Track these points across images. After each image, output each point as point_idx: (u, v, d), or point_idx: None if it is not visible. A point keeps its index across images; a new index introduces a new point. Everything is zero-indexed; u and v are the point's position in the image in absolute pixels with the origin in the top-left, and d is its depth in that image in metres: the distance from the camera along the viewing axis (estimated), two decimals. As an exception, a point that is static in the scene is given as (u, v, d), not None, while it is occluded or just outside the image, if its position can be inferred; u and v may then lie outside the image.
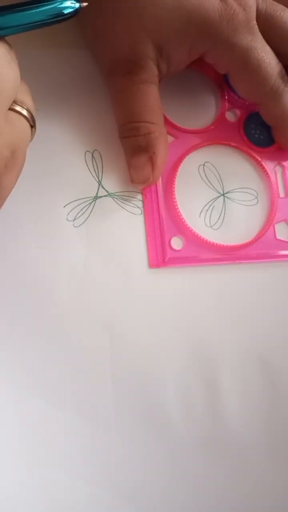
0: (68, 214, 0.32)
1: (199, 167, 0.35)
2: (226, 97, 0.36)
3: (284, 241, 0.35)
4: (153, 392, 0.31)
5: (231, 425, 0.32)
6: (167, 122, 0.34)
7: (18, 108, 0.25)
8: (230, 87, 0.36)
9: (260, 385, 0.33)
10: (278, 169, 0.36)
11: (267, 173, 0.36)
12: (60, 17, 0.24)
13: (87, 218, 0.32)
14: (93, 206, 0.32)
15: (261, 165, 0.36)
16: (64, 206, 0.32)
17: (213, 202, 0.35)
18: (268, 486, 0.32)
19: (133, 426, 0.30)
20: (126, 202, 0.33)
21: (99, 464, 0.29)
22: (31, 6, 0.23)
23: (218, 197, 0.35)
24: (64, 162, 0.32)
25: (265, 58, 0.32)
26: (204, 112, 0.36)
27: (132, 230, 0.33)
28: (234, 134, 0.36)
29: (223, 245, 0.34)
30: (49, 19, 0.24)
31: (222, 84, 0.36)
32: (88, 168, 0.33)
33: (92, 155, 0.33)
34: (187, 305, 0.33)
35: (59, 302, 0.30)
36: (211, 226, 0.34)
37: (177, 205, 0.33)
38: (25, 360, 0.29)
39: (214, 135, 0.36)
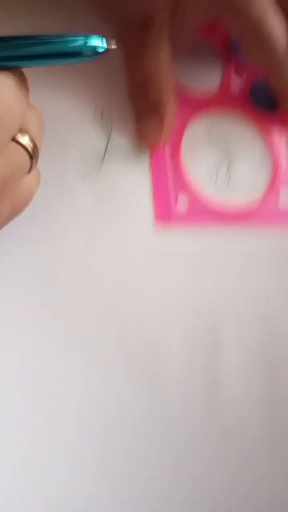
0: (78, 168, 0.32)
1: (203, 134, 0.35)
2: (232, 63, 0.37)
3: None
4: (155, 351, 0.31)
5: (232, 387, 0.32)
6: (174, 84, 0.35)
7: (18, 137, 0.24)
8: (235, 54, 0.37)
9: (260, 347, 0.33)
10: (283, 135, 0.36)
11: (272, 138, 0.36)
12: (82, 57, 0.23)
13: (95, 175, 0.32)
14: (102, 163, 0.33)
15: (266, 130, 0.36)
16: (74, 160, 0.32)
17: (217, 167, 0.35)
18: (268, 447, 0.32)
19: (136, 382, 0.30)
20: (134, 161, 0.33)
21: (100, 415, 0.30)
22: (50, 39, 0.22)
23: (222, 163, 0.35)
24: (73, 119, 0.33)
25: (277, 27, 0.32)
26: (210, 78, 0.37)
27: (139, 188, 0.33)
28: (239, 99, 0.37)
29: (227, 208, 0.34)
30: (69, 55, 0.23)
31: (228, 51, 0.37)
32: (97, 125, 0.33)
33: (102, 113, 0.34)
34: (190, 265, 0.33)
35: (65, 258, 0.31)
36: (214, 190, 0.35)
37: (183, 166, 0.34)
38: (28, 309, 0.30)
39: (220, 100, 0.36)
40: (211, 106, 0.36)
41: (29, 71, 0.24)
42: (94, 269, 0.31)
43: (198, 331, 0.32)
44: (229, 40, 0.37)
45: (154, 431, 0.30)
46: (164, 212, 0.33)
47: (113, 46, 0.23)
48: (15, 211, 0.26)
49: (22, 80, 0.23)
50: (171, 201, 0.33)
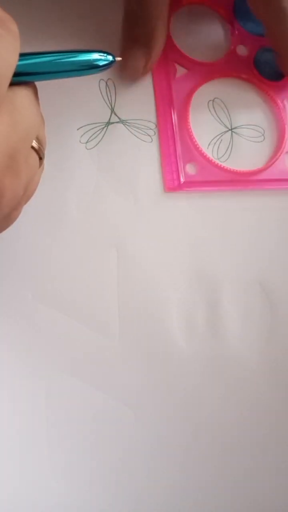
0: (81, 137, 0.34)
1: (208, 102, 0.37)
2: (237, 32, 0.38)
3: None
4: (157, 310, 0.32)
5: (232, 345, 0.33)
6: (180, 53, 0.37)
7: (33, 143, 0.25)
8: (240, 23, 0.38)
9: (259, 307, 0.34)
10: (287, 102, 0.38)
11: (277, 105, 0.38)
12: (92, 70, 0.25)
13: (99, 142, 0.34)
14: (105, 131, 0.34)
15: (271, 97, 0.38)
16: (78, 129, 0.34)
17: (221, 136, 0.36)
18: (267, 405, 0.33)
19: (137, 341, 0.31)
20: (138, 130, 0.35)
21: (101, 372, 0.31)
22: (62, 55, 0.24)
23: (226, 131, 0.37)
24: (78, 88, 0.34)
25: None
26: (215, 46, 0.38)
27: (142, 156, 0.34)
28: (244, 67, 0.38)
29: (235, 171, 0.36)
30: (80, 70, 0.25)
31: (233, 20, 0.38)
32: (102, 95, 0.35)
33: (106, 84, 0.35)
34: (194, 229, 0.34)
35: (69, 219, 0.32)
36: (218, 159, 0.36)
37: (192, 132, 0.35)
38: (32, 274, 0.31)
39: (226, 68, 0.38)
40: (217, 74, 0.37)
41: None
42: (98, 228, 0.33)
43: (198, 290, 0.33)
44: (234, 8, 0.38)
45: (155, 393, 0.31)
46: (174, 182, 0.35)
47: (118, 59, 0.26)
48: (25, 203, 0.27)
49: (36, 92, 0.24)
50: (181, 169, 0.35)
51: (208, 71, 0.37)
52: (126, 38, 0.34)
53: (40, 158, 0.25)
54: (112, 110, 0.35)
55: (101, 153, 0.34)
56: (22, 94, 0.23)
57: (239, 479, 0.31)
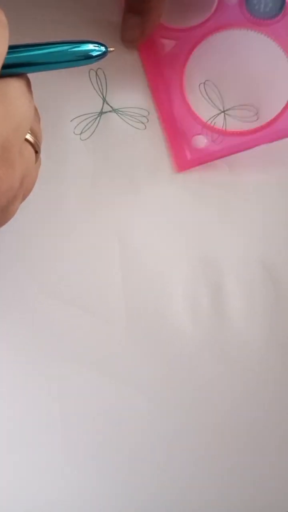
0: (75, 128, 0.34)
1: (199, 85, 0.35)
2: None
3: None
4: (162, 296, 0.34)
5: (237, 326, 0.34)
6: (165, 28, 0.35)
7: (28, 136, 0.25)
8: None
9: (263, 287, 0.35)
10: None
11: (281, 40, 0.34)
12: (85, 60, 0.25)
13: (93, 132, 0.34)
14: (99, 121, 0.34)
15: (271, 37, 0.35)
16: (71, 120, 0.34)
17: (214, 119, 0.36)
18: (274, 385, 0.34)
19: (143, 327, 0.33)
20: (131, 118, 0.35)
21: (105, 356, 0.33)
22: (53, 46, 0.24)
23: (219, 114, 0.36)
24: (68, 80, 0.34)
25: None
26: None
27: (137, 144, 0.35)
28: (236, 15, 0.34)
29: (241, 131, 0.35)
30: (73, 61, 0.24)
31: None
32: (92, 85, 0.35)
33: (96, 73, 0.35)
34: (195, 212, 0.35)
35: (69, 211, 0.34)
36: (213, 141, 0.35)
37: (190, 106, 0.35)
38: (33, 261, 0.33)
39: (217, 22, 0.35)
40: (209, 32, 0.35)
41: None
42: (99, 218, 0.34)
43: (202, 272, 0.34)
44: None
45: (163, 377, 0.33)
46: (182, 157, 0.35)
47: (111, 49, 0.26)
48: (24, 199, 0.27)
49: (29, 83, 0.24)
50: (186, 145, 0.35)
51: (199, 33, 0.35)
52: (126, 7, 0.34)
53: (36, 152, 0.26)
54: (104, 100, 0.35)
55: (96, 144, 0.34)
56: (14, 85, 0.23)
57: (247, 460, 0.33)
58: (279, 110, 0.35)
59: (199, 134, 0.35)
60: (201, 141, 0.35)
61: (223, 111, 0.36)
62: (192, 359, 0.33)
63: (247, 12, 0.34)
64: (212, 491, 0.33)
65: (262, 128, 0.35)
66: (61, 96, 0.34)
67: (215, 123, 0.36)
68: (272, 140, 0.35)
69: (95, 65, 0.32)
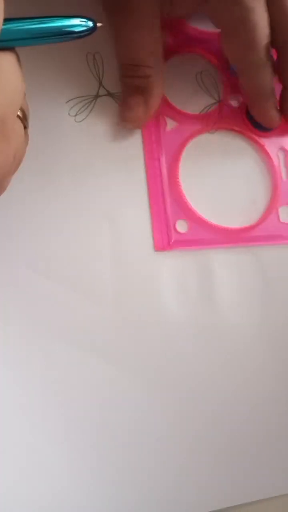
0: (70, 109, 0.34)
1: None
2: (229, 82, 0.37)
3: (287, 223, 0.36)
4: (149, 278, 0.33)
5: (225, 312, 0.34)
6: (170, 106, 0.35)
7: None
8: (232, 72, 0.36)
9: (250, 272, 0.35)
10: (281, 153, 0.37)
11: (270, 157, 0.36)
12: (72, 35, 0.24)
13: (88, 114, 0.34)
14: (94, 104, 0.34)
15: (264, 149, 0.36)
16: (67, 102, 0.34)
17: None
18: (261, 370, 0.34)
19: (130, 309, 0.32)
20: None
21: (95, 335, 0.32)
22: (41, 20, 0.23)
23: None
24: (65, 62, 0.34)
25: (261, 24, 0.32)
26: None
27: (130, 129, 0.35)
28: (237, 119, 0.36)
29: (227, 228, 0.35)
30: (59, 35, 0.24)
31: (225, 69, 0.37)
32: (90, 68, 0.34)
33: (94, 57, 0.35)
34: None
35: (61, 191, 0.33)
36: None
37: (182, 189, 0.34)
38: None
39: (217, 120, 0.36)
40: (208, 126, 0.36)
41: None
42: (91, 199, 0.33)
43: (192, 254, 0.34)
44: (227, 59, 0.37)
45: (149, 359, 0.32)
46: (163, 241, 0.34)
47: (99, 24, 0.24)
48: (13, 174, 0.27)
49: (18, 58, 0.24)
50: (170, 228, 0.34)
51: (199, 124, 0.36)
52: (125, 90, 0.34)
53: (25, 127, 0.25)
54: (100, 83, 0.34)
55: (91, 126, 0.34)
56: (7, 58, 0.22)
57: (233, 445, 0.32)
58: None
59: (184, 218, 0.35)
60: (184, 227, 0.35)
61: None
62: (179, 342, 0.33)
63: (247, 119, 0.36)
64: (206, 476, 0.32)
65: (250, 228, 0.35)
66: (57, 77, 0.34)
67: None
68: (255, 243, 0.36)
69: (93, 48, 0.34)
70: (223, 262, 0.34)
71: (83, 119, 0.34)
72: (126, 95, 0.34)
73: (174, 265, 0.34)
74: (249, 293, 0.35)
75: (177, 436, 0.31)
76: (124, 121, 0.34)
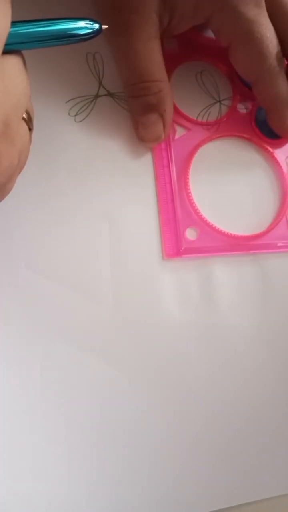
0: (70, 110, 0.33)
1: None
2: (238, 89, 0.37)
3: (297, 231, 0.36)
4: (150, 279, 0.33)
5: (225, 313, 0.34)
6: (179, 114, 0.35)
7: None
8: (241, 80, 0.36)
9: (250, 273, 0.35)
10: (290, 161, 0.37)
11: (279, 164, 0.36)
12: (78, 37, 0.24)
13: (88, 115, 0.34)
14: (94, 104, 0.34)
15: (273, 156, 0.36)
16: (66, 102, 0.33)
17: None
18: (260, 370, 0.34)
19: (130, 310, 0.32)
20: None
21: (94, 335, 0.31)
22: (48, 23, 0.24)
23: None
24: (65, 62, 0.34)
25: (268, 35, 0.32)
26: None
27: (131, 128, 0.34)
28: (245, 126, 0.36)
29: (237, 235, 0.34)
30: (66, 38, 0.24)
31: (234, 77, 0.37)
32: (90, 68, 0.34)
33: (94, 57, 0.34)
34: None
35: (60, 191, 0.32)
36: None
37: (192, 197, 0.34)
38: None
39: (226, 127, 0.36)
40: (218, 133, 0.36)
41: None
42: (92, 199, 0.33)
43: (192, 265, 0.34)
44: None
45: (148, 361, 0.32)
46: (173, 248, 0.33)
47: (105, 26, 0.25)
48: (17, 175, 0.27)
49: (24, 60, 0.24)
50: (180, 236, 0.33)
51: (208, 131, 0.36)
52: (138, 109, 0.33)
53: (30, 129, 0.26)
54: (100, 83, 0.34)
55: (91, 126, 0.34)
56: (13, 61, 0.23)
57: (234, 446, 0.32)
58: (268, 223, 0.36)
59: (193, 226, 0.34)
60: (194, 234, 0.34)
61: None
62: (179, 344, 0.32)
63: (256, 127, 0.36)
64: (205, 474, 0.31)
65: (258, 235, 0.35)
66: (57, 77, 0.34)
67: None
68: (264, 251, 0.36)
69: (93, 48, 0.34)
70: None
71: (83, 119, 0.33)
72: (139, 114, 0.33)
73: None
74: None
75: (177, 436, 0.31)
76: (144, 141, 0.33)
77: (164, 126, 0.33)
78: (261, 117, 0.36)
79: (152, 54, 0.32)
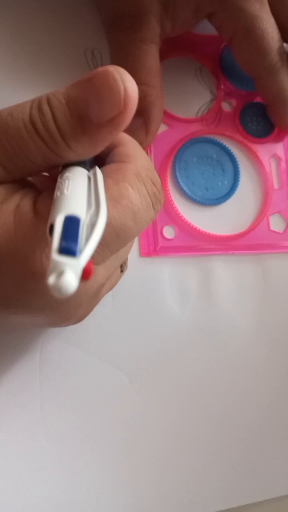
0: None
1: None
2: (222, 86, 0.36)
3: (277, 232, 0.35)
4: (149, 277, 0.33)
5: (225, 310, 0.34)
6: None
7: None
8: (226, 76, 0.36)
9: (250, 272, 0.35)
10: (273, 160, 0.36)
11: (262, 164, 0.36)
12: None
13: None
14: None
15: (256, 156, 0.36)
16: None
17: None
18: (261, 368, 0.34)
19: (130, 308, 0.32)
20: None
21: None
22: None
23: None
24: (63, 58, 0.34)
25: (269, 30, 0.31)
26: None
27: None
28: (229, 124, 0.36)
29: (216, 235, 0.34)
30: None
31: (219, 73, 0.36)
32: (88, 65, 0.34)
33: (92, 53, 0.34)
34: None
35: None
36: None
37: (170, 194, 0.34)
38: None
39: (210, 124, 0.36)
40: (201, 131, 0.35)
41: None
42: None
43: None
44: (221, 62, 0.36)
45: (148, 359, 0.32)
46: (149, 247, 0.33)
47: None
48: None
49: None
50: (157, 233, 0.33)
51: (191, 128, 0.35)
52: None
53: (121, 271, 0.28)
54: None
55: None
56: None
57: (235, 442, 0.32)
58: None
59: (171, 224, 0.34)
60: (172, 232, 0.34)
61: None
62: (179, 341, 0.32)
63: (240, 125, 0.36)
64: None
65: (239, 235, 0.35)
66: (55, 75, 0.33)
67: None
68: (244, 251, 0.35)
69: (91, 44, 0.34)
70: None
71: None
72: None
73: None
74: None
75: (178, 437, 0.31)
76: None
77: (146, 133, 0.32)
78: (247, 115, 0.36)
79: (145, 57, 0.31)
